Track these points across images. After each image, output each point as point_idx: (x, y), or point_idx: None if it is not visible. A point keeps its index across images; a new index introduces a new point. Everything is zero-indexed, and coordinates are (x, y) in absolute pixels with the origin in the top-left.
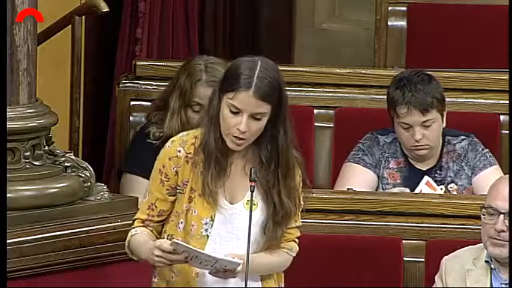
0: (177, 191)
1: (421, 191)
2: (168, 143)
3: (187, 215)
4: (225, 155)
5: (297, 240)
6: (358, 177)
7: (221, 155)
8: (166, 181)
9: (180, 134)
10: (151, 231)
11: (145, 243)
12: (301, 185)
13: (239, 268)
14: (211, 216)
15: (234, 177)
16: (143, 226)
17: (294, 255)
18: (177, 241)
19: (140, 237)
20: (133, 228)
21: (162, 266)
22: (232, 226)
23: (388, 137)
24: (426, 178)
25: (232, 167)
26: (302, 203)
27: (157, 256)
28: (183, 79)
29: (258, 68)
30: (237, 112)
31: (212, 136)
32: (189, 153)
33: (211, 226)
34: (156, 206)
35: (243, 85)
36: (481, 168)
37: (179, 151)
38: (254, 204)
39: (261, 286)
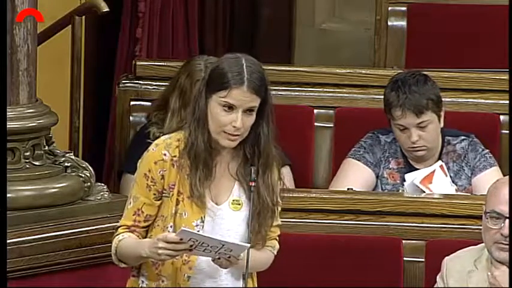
0: (163, 195)
1: (434, 171)
2: (152, 147)
3: (176, 218)
4: (212, 156)
5: (277, 238)
6: (357, 174)
7: (209, 156)
8: (153, 185)
9: (163, 137)
10: (138, 236)
11: (142, 242)
12: (279, 184)
13: (242, 255)
14: (202, 218)
15: (219, 178)
16: (129, 232)
17: (276, 253)
18: (184, 228)
19: (131, 240)
20: (119, 234)
21: (168, 259)
22: (219, 227)
23: (389, 137)
24: (440, 162)
25: (217, 168)
26: (280, 201)
27: (161, 248)
28: (183, 79)
29: (245, 63)
30: (230, 109)
31: (201, 137)
32: (174, 156)
33: (202, 227)
34: (142, 212)
35: (235, 82)
36: (480, 169)
37: (165, 154)
38: (239, 204)
39: (241, 286)
